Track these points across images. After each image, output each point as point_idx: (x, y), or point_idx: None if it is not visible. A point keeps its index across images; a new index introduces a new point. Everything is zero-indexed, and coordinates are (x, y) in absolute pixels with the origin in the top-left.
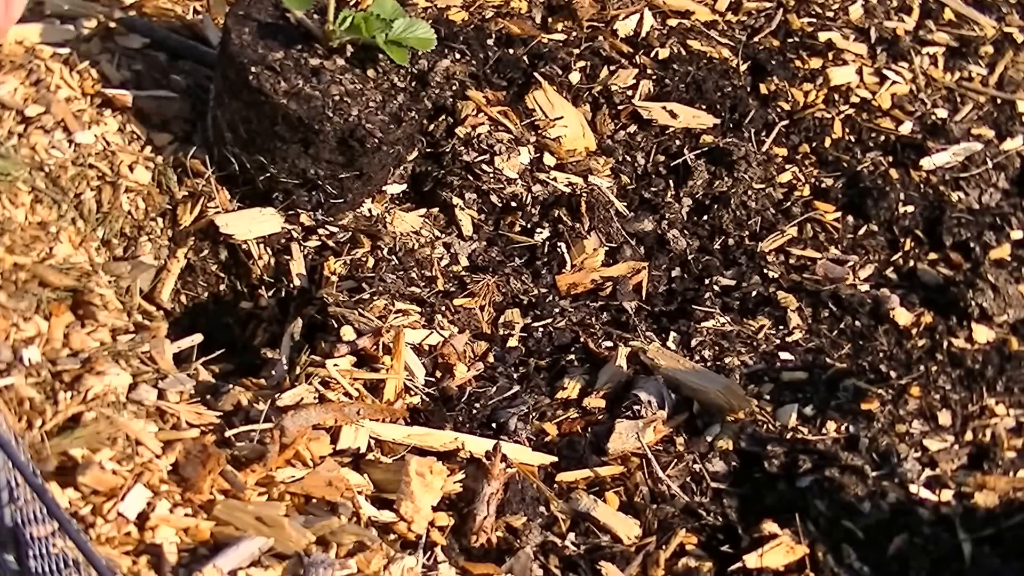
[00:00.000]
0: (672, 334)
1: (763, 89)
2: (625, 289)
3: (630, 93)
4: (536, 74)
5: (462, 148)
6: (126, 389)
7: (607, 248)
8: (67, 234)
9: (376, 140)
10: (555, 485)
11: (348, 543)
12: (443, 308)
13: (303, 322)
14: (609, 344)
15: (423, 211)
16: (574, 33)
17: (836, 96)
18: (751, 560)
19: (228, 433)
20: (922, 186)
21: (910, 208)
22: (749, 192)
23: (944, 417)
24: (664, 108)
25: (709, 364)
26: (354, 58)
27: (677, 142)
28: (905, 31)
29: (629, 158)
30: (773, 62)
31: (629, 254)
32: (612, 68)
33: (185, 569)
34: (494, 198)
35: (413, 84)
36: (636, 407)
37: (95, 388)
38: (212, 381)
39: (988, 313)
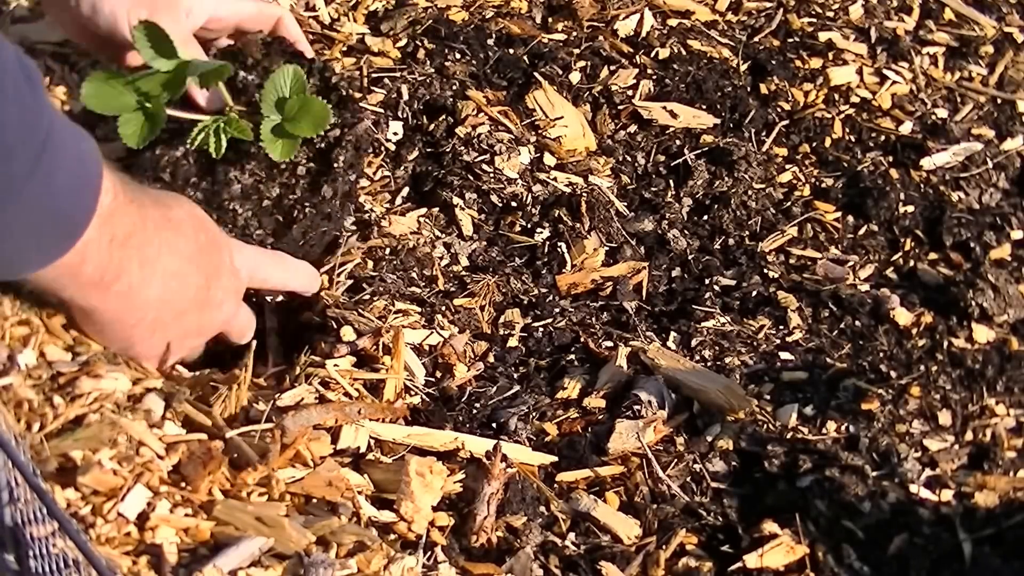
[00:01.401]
0: (672, 334)
1: (763, 89)
2: (625, 289)
3: (630, 93)
4: (536, 74)
5: (462, 148)
6: (126, 390)
7: (607, 248)
8: None
9: (269, 244)
10: (555, 485)
11: (348, 543)
12: (443, 308)
13: (303, 323)
14: (609, 344)
15: (423, 211)
16: (574, 33)
17: (836, 96)
18: (751, 560)
19: (229, 434)
20: (922, 186)
21: (910, 208)
22: (749, 192)
23: (944, 417)
24: (664, 108)
25: (709, 364)
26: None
27: (677, 142)
28: (905, 31)
29: (629, 158)
30: (773, 62)
31: (629, 254)
32: (612, 68)
33: (185, 569)
34: (494, 198)
35: (316, 167)
36: (636, 407)
37: (94, 391)
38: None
39: (988, 313)
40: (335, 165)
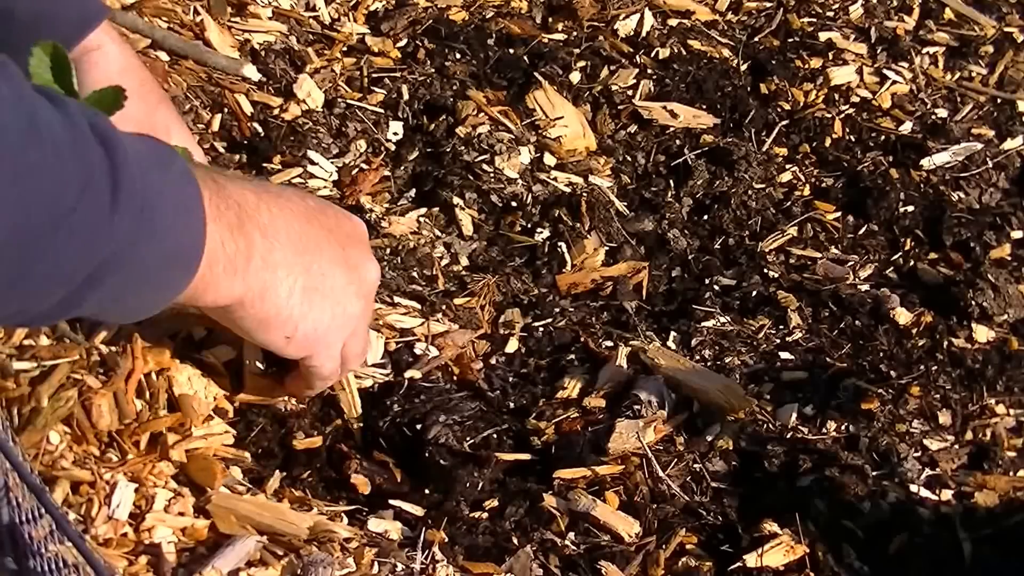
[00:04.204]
0: (672, 334)
1: (763, 89)
2: (625, 289)
3: (630, 93)
4: (536, 74)
5: (462, 148)
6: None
7: (607, 248)
8: None
9: None
10: (555, 484)
11: (347, 543)
12: (443, 307)
13: None
14: (609, 344)
15: (423, 211)
16: (574, 33)
17: (836, 96)
18: (751, 559)
19: (231, 430)
20: (922, 186)
21: (910, 208)
22: (749, 192)
23: (944, 417)
24: (664, 108)
25: (709, 364)
26: None
27: (677, 142)
28: (905, 31)
29: (629, 158)
30: (773, 62)
31: (629, 254)
32: (612, 68)
33: (184, 569)
34: (494, 198)
35: None
36: (636, 407)
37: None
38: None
39: (988, 313)
40: None
